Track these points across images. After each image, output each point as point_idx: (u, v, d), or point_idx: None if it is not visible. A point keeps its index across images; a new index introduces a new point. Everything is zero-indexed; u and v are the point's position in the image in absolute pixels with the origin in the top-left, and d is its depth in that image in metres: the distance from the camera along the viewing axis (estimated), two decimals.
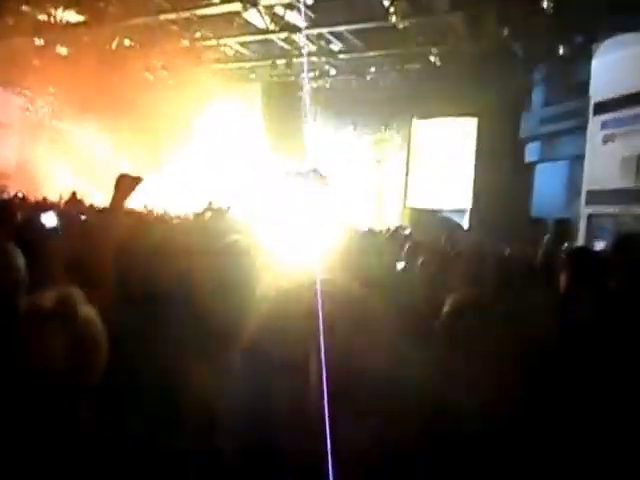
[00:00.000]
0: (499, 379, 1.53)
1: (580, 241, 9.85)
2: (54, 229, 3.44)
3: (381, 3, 10.40)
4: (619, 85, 9.76)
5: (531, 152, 14.10)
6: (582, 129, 10.89)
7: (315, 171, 4.95)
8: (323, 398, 0.73)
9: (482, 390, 1.49)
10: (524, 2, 9.80)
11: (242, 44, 13.61)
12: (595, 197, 10.06)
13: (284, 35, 12.27)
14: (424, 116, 16.88)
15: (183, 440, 1.79)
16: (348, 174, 18.41)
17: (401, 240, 6.35)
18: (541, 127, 13.35)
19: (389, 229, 12.03)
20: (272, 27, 11.72)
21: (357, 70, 14.90)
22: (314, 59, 13.99)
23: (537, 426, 1.69)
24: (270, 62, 14.26)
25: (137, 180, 2.51)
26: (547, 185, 13.39)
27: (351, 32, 12.28)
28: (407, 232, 11.58)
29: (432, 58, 12.75)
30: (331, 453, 0.71)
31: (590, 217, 10.16)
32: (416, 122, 17.23)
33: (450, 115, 16.33)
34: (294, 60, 13.91)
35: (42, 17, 12.16)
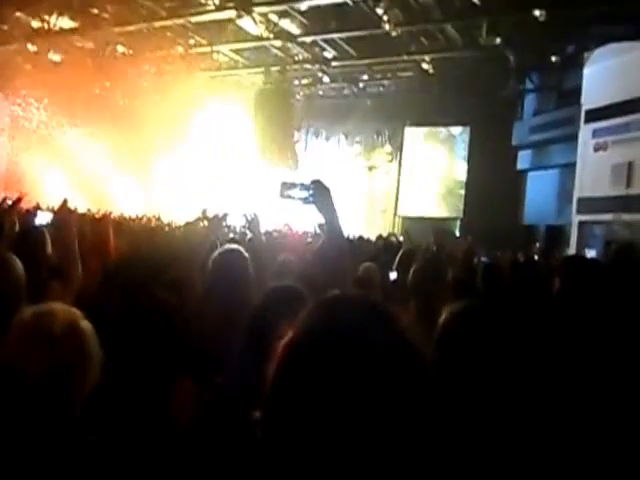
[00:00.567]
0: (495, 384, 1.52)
1: (572, 248, 9.89)
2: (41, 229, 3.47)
3: (374, 11, 10.46)
4: (610, 93, 9.84)
5: (523, 160, 14.19)
6: (573, 137, 10.97)
7: (317, 182, 4.88)
8: None
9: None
10: (516, 12, 9.88)
11: (236, 51, 13.64)
12: (586, 204, 10.12)
13: (278, 42, 12.30)
14: (416, 124, 16.96)
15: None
16: (339, 181, 18.43)
17: (394, 249, 6.33)
18: (533, 135, 13.44)
19: (380, 236, 12.06)
20: (266, 34, 11.75)
21: (350, 77, 14.96)
22: (307, 66, 14.04)
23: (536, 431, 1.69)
24: (263, 69, 14.29)
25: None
26: (539, 192, 13.47)
27: (344, 40, 12.33)
28: (399, 240, 11.61)
29: (425, 66, 12.82)
30: None
31: (581, 224, 10.20)
32: (408, 130, 17.30)
33: (442, 123, 16.42)
34: (287, 67, 13.96)
35: (35, 23, 12.11)
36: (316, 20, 11.34)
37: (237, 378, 1.67)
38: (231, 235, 6.61)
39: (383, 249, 7.40)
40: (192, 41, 12.70)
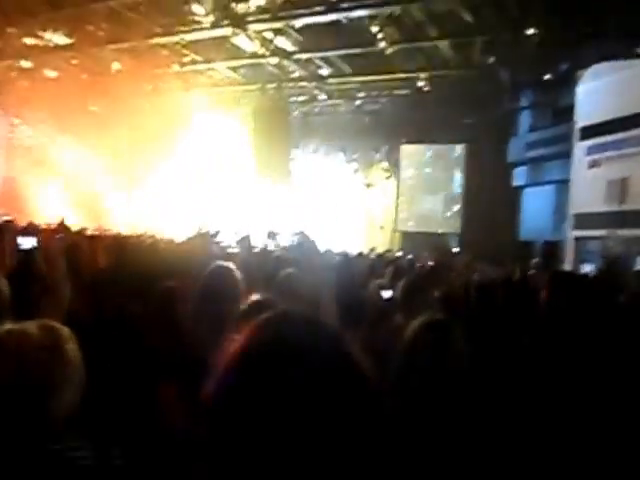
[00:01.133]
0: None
1: (568, 263, 9.90)
2: (32, 249, 3.49)
3: (369, 29, 10.54)
4: (603, 111, 9.91)
5: (518, 176, 14.25)
6: (568, 154, 11.03)
7: (301, 234, 4.99)
8: None
9: None
10: (509, 30, 9.97)
11: (231, 68, 13.71)
12: (582, 220, 10.15)
13: (273, 60, 12.37)
14: (413, 141, 17.04)
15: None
16: (337, 198, 18.47)
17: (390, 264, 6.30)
18: (528, 152, 13.51)
19: (373, 249, 12.05)
20: (262, 52, 11.82)
21: (346, 95, 15.04)
22: (303, 84, 14.12)
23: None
24: (259, 86, 14.36)
25: None
26: (535, 209, 13.52)
27: (340, 57, 12.41)
28: (396, 255, 11.59)
29: (420, 84, 12.90)
30: None
31: (577, 240, 10.23)
32: (405, 147, 17.38)
33: (438, 140, 16.52)
34: (283, 85, 14.04)
35: (30, 40, 12.14)
36: (311, 37, 11.41)
37: None
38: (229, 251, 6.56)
39: (380, 265, 7.36)
40: (188, 58, 12.76)
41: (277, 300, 2.12)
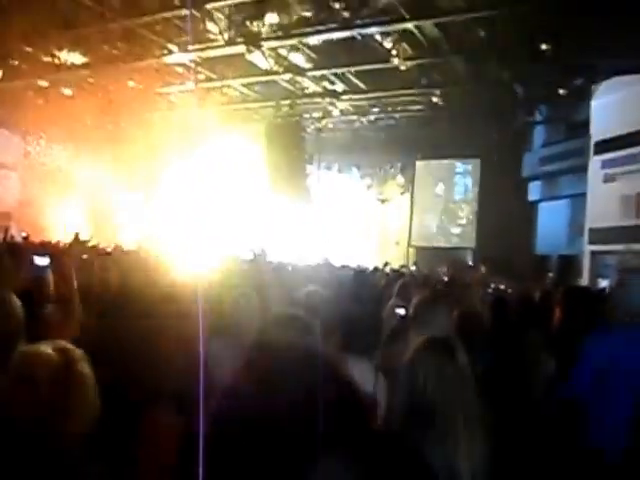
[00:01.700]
0: None
1: (585, 278, 9.81)
2: (45, 267, 3.52)
3: (383, 45, 10.59)
4: (619, 125, 9.87)
5: (533, 191, 14.18)
6: (583, 168, 10.97)
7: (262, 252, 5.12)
8: None
9: None
10: (524, 45, 9.96)
11: (246, 85, 13.82)
12: (598, 235, 10.06)
13: (287, 76, 12.47)
14: (427, 157, 17.04)
15: None
16: (352, 214, 18.48)
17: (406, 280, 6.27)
18: (542, 166, 13.46)
19: (387, 264, 12.00)
20: (276, 69, 11.91)
21: (360, 111, 15.08)
22: (317, 100, 14.19)
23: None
24: (274, 103, 14.46)
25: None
26: (550, 223, 13.43)
27: (353, 73, 12.47)
28: (410, 270, 11.55)
29: (434, 99, 12.91)
30: None
31: (594, 254, 10.13)
32: (419, 163, 17.38)
33: (453, 155, 16.50)
34: (297, 101, 14.12)
35: (47, 59, 12.34)
36: (325, 54, 11.48)
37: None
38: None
39: (395, 281, 7.32)
40: (202, 76, 12.90)
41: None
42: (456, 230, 16.79)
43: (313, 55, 11.65)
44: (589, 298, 3.23)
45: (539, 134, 14.21)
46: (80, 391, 1.52)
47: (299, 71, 12.18)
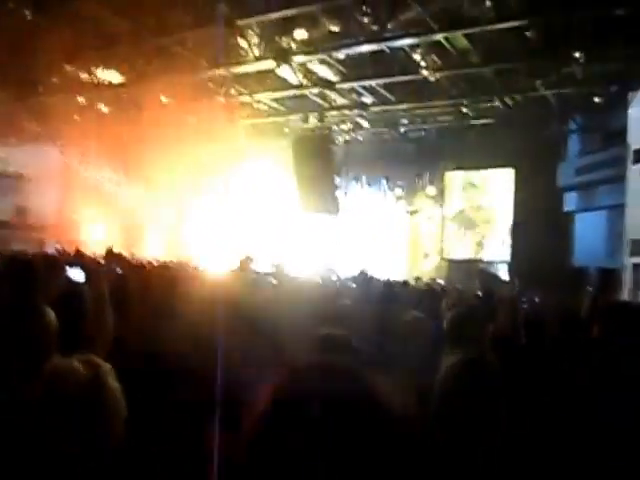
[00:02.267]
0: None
1: (626, 291, 9.50)
2: (79, 281, 3.55)
3: (411, 57, 10.54)
4: None
5: (569, 202, 13.87)
6: (620, 178, 10.68)
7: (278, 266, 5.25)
8: None
9: None
10: (555, 53, 9.79)
11: (275, 99, 13.93)
12: (639, 246, 9.75)
13: (316, 90, 12.52)
14: (458, 167, 16.83)
15: None
16: (381, 226, 18.35)
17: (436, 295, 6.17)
18: (578, 177, 13.16)
19: (419, 278, 11.85)
20: (305, 82, 11.98)
21: (389, 122, 15.03)
22: (346, 112, 14.20)
23: None
24: (303, 116, 14.52)
25: None
26: (588, 235, 13.08)
27: (382, 85, 12.44)
28: (442, 284, 11.37)
29: (464, 109, 12.79)
30: None
31: (636, 266, 9.81)
32: (450, 174, 17.18)
33: (485, 166, 16.26)
34: (326, 113, 14.15)
35: (84, 76, 12.71)
36: (354, 67, 11.50)
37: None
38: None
39: (426, 295, 7.22)
40: (233, 90, 13.06)
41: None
42: (489, 242, 16.50)
43: (342, 68, 11.68)
44: (631, 313, 3.10)
45: (574, 143, 13.93)
46: (108, 405, 1.54)
47: (328, 84, 12.21)
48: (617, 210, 11.08)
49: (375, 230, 18.26)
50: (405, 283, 9.97)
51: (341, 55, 10.86)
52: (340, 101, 13.67)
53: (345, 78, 12.02)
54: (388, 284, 7.26)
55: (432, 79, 11.01)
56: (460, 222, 17.08)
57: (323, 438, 0.72)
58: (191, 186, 16.90)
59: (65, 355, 1.69)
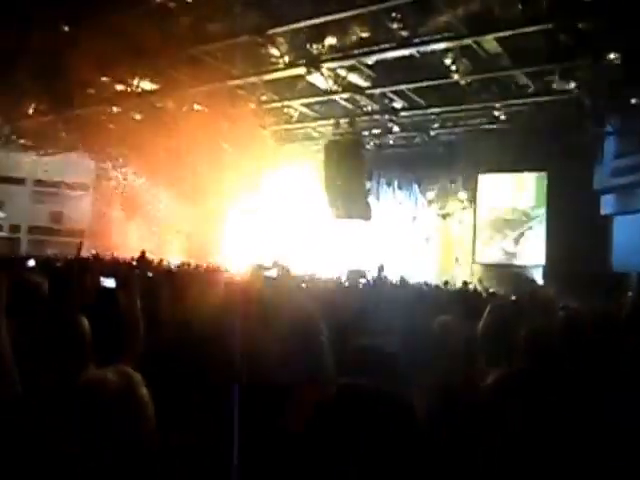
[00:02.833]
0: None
1: None
2: (113, 288, 3.61)
3: (442, 62, 10.47)
4: None
5: (606, 204, 13.53)
6: None
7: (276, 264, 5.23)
8: None
9: None
10: (588, 54, 9.59)
11: (306, 105, 14.00)
12: None
13: (347, 95, 12.54)
14: (490, 170, 16.63)
15: None
16: (413, 230, 18.25)
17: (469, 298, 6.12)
18: (615, 179, 12.85)
19: (447, 282, 11.75)
20: (335, 88, 12.02)
21: (420, 126, 14.95)
22: (377, 117, 14.17)
23: None
24: (333, 121, 14.56)
25: None
26: (627, 238, 12.72)
27: (412, 90, 12.39)
28: (474, 288, 11.25)
29: (496, 112, 12.64)
30: None
31: None
32: (482, 177, 16.99)
33: (518, 169, 16.03)
34: (357, 118, 14.15)
35: (119, 87, 13.01)
36: (384, 72, 11.48)
37: None
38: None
39: (459, 299, 7.18)
40: (264, 97, 13.20)
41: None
42: (523, 246, 16.23)
43: (371, 74, 11.68)
44: None
45: (610, 145, 13.60)
46: (140, 416, 1.57)
47: (358, 90, 12.22)
48: None
49: (407, 234, 18.17)
50: (439, 286, 9.92)
51: (370, 60, 10.87)
52: (371, 106, 13.66)
53: (375, 83, 12.02)
54: (420, 286, 7.25)
55: (463, 82, 10.92)
56: (492, 226, 16.86)
57: (362, 457, 0.74)
58: (223, 192, 17.09)
59: (99, 365, 1.74)
